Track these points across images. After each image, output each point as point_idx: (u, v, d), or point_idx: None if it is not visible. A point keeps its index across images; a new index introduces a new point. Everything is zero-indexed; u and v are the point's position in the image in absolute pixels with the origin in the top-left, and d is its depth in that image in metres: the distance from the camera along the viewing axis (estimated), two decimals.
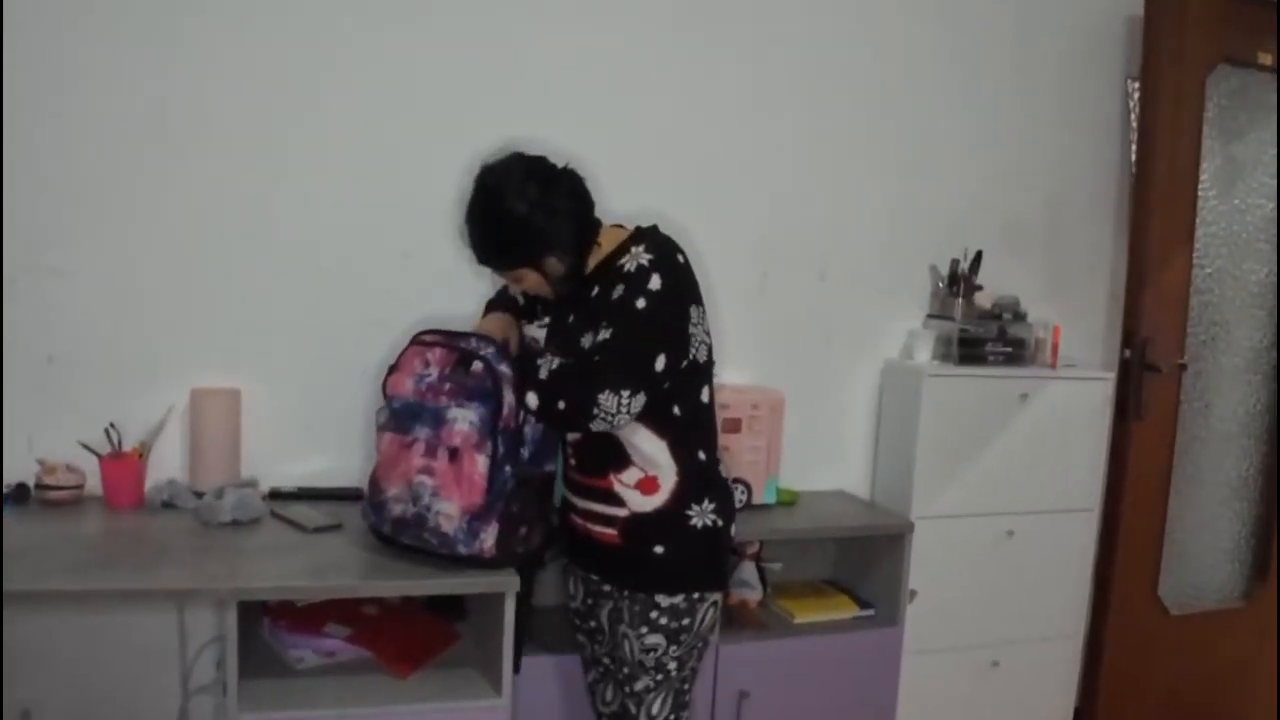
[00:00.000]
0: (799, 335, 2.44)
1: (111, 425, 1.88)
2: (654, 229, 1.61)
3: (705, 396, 1.63)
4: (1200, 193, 2.62)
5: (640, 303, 1.49)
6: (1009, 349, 2.44)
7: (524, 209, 1.52)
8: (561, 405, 1.51)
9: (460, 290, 2.07)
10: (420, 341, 1.67)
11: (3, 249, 1.84)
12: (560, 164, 1.59)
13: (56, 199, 1.88)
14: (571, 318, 1.62)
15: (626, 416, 1.49)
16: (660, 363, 1.50)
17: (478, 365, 1.58)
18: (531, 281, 1.60)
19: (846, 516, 2.32)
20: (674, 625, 1.60)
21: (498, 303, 1.83)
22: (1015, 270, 2.58)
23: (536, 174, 1.55)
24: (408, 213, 2.08)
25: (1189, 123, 2.55)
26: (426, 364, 1.64)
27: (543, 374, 1.55)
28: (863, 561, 2.38)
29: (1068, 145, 2.65)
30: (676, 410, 1.58)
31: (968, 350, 2.40)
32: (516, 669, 1.76)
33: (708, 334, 1.61)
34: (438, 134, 2.07)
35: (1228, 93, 2.65)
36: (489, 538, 1.58)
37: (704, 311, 1.59)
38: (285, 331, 2.03)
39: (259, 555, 1.66)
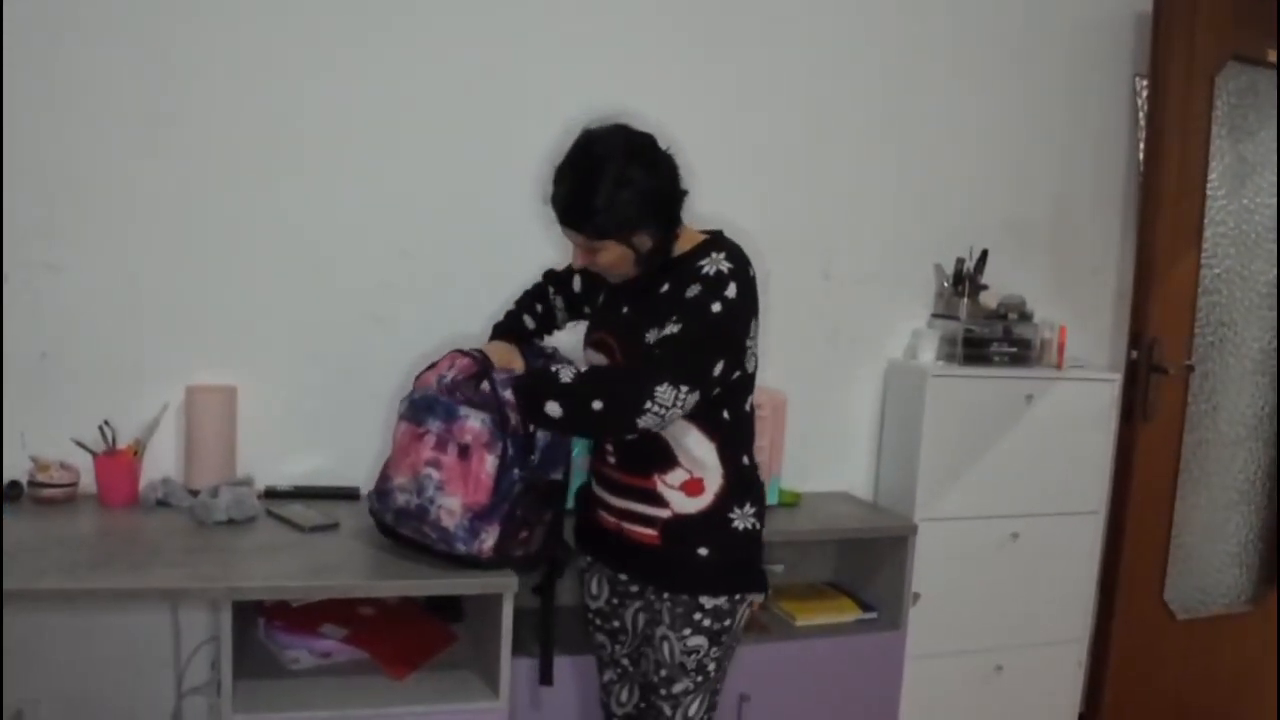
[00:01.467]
0: (802, 335, 2.42)
1: (106, 422, 1.87)
2: (726, 236, 1.60)
3: (748, 405, 1.63)
4: (1209, 192, 2.60)
5: (716, 306, 1.48)
6: (1014, 349, 2.42)
7: (623, 189, 1.48)
8: (599, 405, 1.46)
9: (458, 289, 2.06)
10: (460, 350, 1.69)
11: (1, 245, 1.83)
12: (664, 146, 1.56)
13: (52, 194, 1.86)
14: (626, 309, 1.60)
15: (679, 412, 1.47)
16: (718, 368, 1.50)
17: (485, 385, 1.58)
18: (612, 255, 1.53)
19: (849, 518, 2.30)
20: (716, 626, 1.59)
21: (504, 328, 1.80)
22: (1021, 270, 2.56)
23: (640, 154, 1.51)
24: (406, 211, 2.06)
25: (1198, 121, 2.53)
26: (451, 365, 1.65)
27: (566, 378, 1.49)
28: (865, 564, 2.36)
29: (1075, 144, 2.63)
30: (726, 414, 1.58)
31: (973, 350, 2.39)
32: (549, 680, 1.75)
33: (757, 345, 1.60)
34: (436, 133, 2.06)
35: (1237, 91, 2.62)
36: (489, 539, 1.57)
37: (759, 325, 1.58)
38: (282, 329, 2.02)
39: (254, 555, 1.65)
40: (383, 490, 1.66)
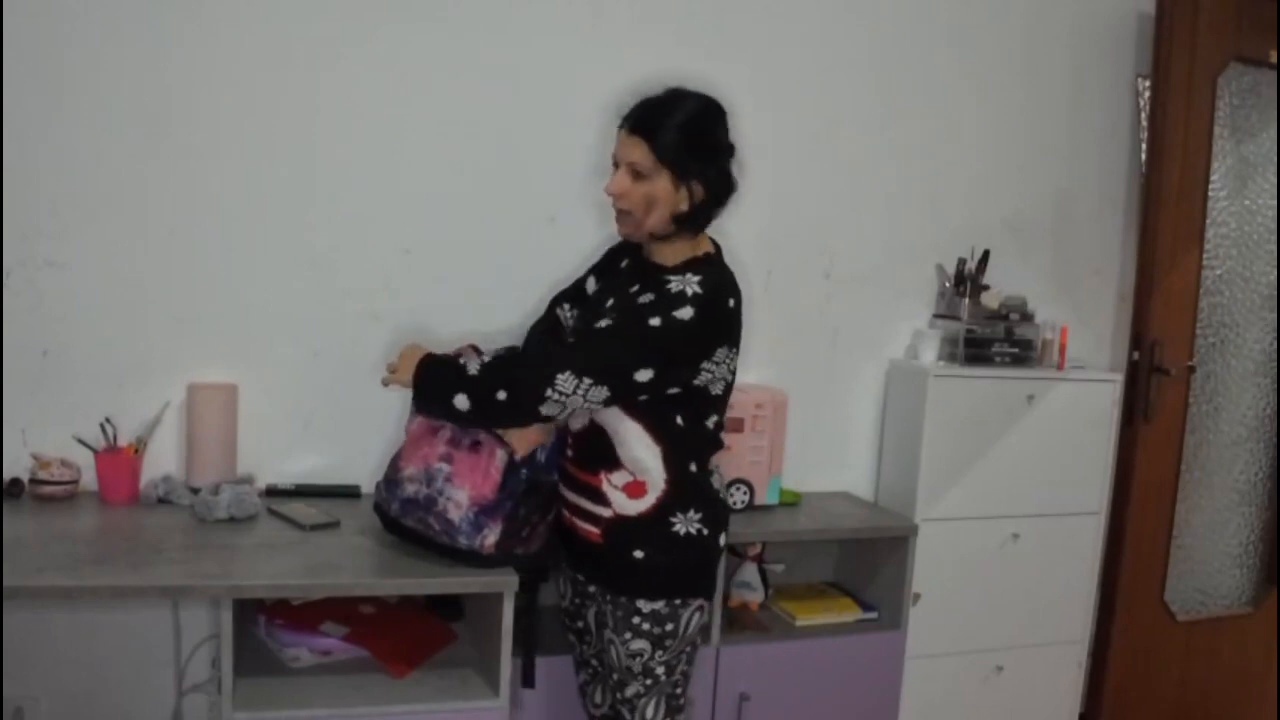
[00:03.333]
0: (803, 334, 2.42)
1: (107, 420, 1.87)
2: (718, 260, 1.60)
3: (711, 422, 1.61)
4: (1211, 193, 2.59)
5: (654, 320, 1.45)
6: (1016, 350, 2.42)
7: (704, 130, 1.52)
8: (503, 395, 1.46)
9: (460, 288, 2.06)
10: (474, 346, 1.69)
11: (1, 242, 1.83)
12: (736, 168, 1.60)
13: (54, 192, 1.86)
14: (611, 301, 1.60)
15: (581, 402, 1.46)
16: (642, 375, 1.46)
17: None
18: (654, 189, 1.50)
19: (850, 518, 2.30)
20: (657, 631, 1.58)
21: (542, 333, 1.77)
22: (1023, 270, 2.56)
23: (727, 131, 1.57)
24: (408, 210, 2.06)
25: (1200, 122, 2.53)
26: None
27: (472, 370, 1.49)
28: (866, 564, 2.36)
29: (1077, 144, 2.63)
30: (679, 420, 1.56)
31: (974, 351, 2.38)
32: (531, 683, 1.75)
33: (732, 372, 1.58)
34: (439, 132, 2.06)
35: (1239, 91, 2.62)
36: (491, 535, 1.58)
37: (735, 353, 1.56)
38: (283, 327, 2.02)
39: (255, 553, 1.65)
40: (392, 479, 1.67)
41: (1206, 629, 2.77)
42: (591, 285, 1.78)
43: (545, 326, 1.78)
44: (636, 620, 1.57)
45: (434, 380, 1.52)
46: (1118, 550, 2.56)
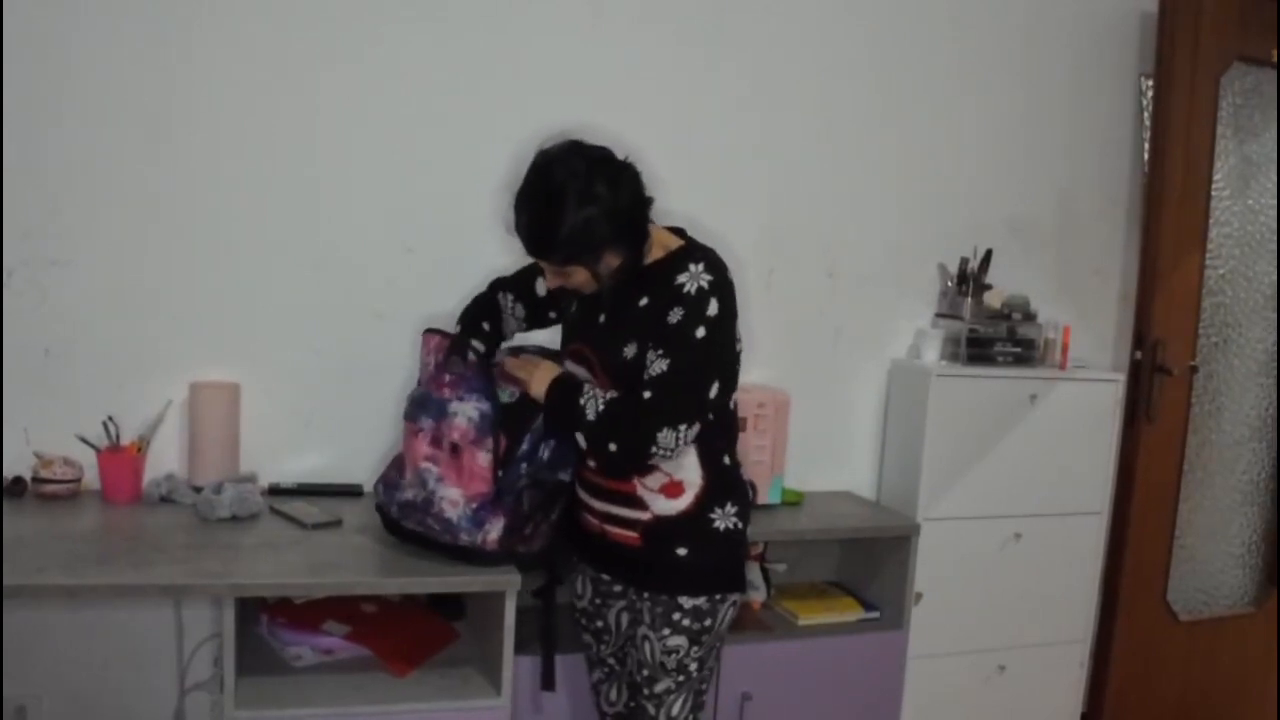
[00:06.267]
0: (806, 334, 2.42)
1: (110, 419, 1.87)
2: (696, 241, 1.57)
3: (731, 403, 1.62)
4: (1214, 192, 2.59)
5: (700, 331, 1.46)
6: (1018, 349, 2.42)
7: (589, 210, 1.42)
8: (614, 448, 1.48)
9: (462, 287, 2.06)
10: (430, 329, 1.70)
11: (2, 241, 1.83)
12: (621, 156, 1.51)
13: (56, 190, 1.86)
14: (603, 318, 1.58)
15: (683, 447, 1.49)
16: (714, 390, 1.50)
17: (472, 356, 1.61)
18: (580, 279, 1.51)
19: (852, 517, 2.30)
20: (696, 626, 1.58)
21: (476, 313, 1.76)
22: (1025, 270, 2.56)
23: (601, 170, 1.45)
24: (410, 207, 2.07)
25: (1203, 121, 2.53)
26: (429, 352, 1.67)
27: (590, 415, 1.49)
28: (868, 563, 2.36)
29: (1080, 143, 2.63)
30: (709, 416, 1.56)
31: (976, 350, 2.38)
32: (551, 686, 1.75)
33: (740, 341, 1.59)
34: (441, 130, 2.06)
35: (1242, 91, 2.62)
36: (494, 530, 1.58)
37: (738, 324, 1.57)
38: (286, 326, 2.02)
39: (257, 551, 1.65)
40: (390, 482, 1.68)
41: (1208, 629, 2.76)
42: (543, 287, 1.71)
43: (480, 305, 1.77)
44: (677, 616, 1.58)
45: (557, 411, 1.55)
46: (1120, 550, 2.56)
